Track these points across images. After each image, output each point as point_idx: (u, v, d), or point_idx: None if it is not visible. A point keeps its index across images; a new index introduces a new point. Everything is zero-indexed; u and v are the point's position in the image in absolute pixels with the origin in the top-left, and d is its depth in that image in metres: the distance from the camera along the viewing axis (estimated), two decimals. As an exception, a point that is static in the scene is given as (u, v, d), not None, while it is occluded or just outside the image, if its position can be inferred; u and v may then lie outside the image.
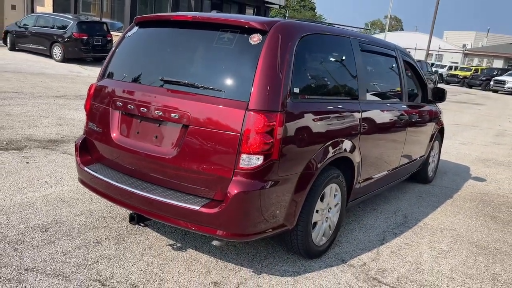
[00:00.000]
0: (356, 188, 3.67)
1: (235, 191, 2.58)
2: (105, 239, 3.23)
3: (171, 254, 3.12)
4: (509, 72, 32.60)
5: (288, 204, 2.84)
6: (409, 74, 4.90)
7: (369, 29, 65.67)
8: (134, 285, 2.69)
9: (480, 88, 33.15)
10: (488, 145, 9.16)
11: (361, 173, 3.65)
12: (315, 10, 65.76)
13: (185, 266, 2.98)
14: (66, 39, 15.27)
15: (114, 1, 21.69)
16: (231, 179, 2.62)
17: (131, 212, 3.06)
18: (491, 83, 31.22)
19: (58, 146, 5.48)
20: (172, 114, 2.78)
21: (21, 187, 4.02)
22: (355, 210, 4.38)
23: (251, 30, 2.78)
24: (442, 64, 42.39)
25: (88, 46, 15.50)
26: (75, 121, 6.95)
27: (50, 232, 3.24)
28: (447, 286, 3.09)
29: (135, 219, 3.05)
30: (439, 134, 5.73)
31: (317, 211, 3.16)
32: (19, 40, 16.43)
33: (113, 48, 3.42)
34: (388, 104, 4.15)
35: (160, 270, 2.90)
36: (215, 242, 2.79)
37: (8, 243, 3.01)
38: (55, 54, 15.55)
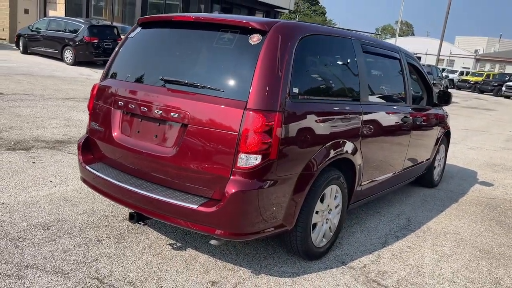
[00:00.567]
0: (357, 190, 3.65)
1: (233, 190, 2.58)
2: (106, 237, 3.25)
3: (170, 253, 3.14)
4: (522, 77, 32.25)
5: (287, 204, 2.84)
6: (414, 77, 4.88)
7: (379, 34, 65.44)
8: (131, 283, 2.71)
9: (491, 93, 32.82)
10: (498, 150, 9.06)
11: (363, 175, 3.64)
12: (325, 15, 65.78)
13: (184, 265, 2.99)
14: (77, 43, 15.47)
15: (125, 6, 21.93)
16: (229, 178, 2.63)
17: (131, 210, 3.08)
18: (503, 88, 30.89)
19: (64, 146, 5.54)
20: (171, 113, 2.80)
21: (26, 186, 4.07)
22: (357, 212, 4.36)
23: (251, 31, 2.80)
24: (453, 69, 42.06)
25: (99, 50, 15.67)
26: (83, 123, 7.02)
27: (51, 230, 3.27)
28: (448, 290, 3.06)
29: (135, 217, 3.07)
30: (445, 137, 5.68)
31: (317, 212, 3.15)
32: (31, 43, 16.68)
33: (117, 49, 3.46)
34: (391, 106, 4.13)
35: (159, 268, 2.91)
36: (213, 242, 2.80)
37: (10, 240, 3.04)
38: (66, 57, 15.75)
